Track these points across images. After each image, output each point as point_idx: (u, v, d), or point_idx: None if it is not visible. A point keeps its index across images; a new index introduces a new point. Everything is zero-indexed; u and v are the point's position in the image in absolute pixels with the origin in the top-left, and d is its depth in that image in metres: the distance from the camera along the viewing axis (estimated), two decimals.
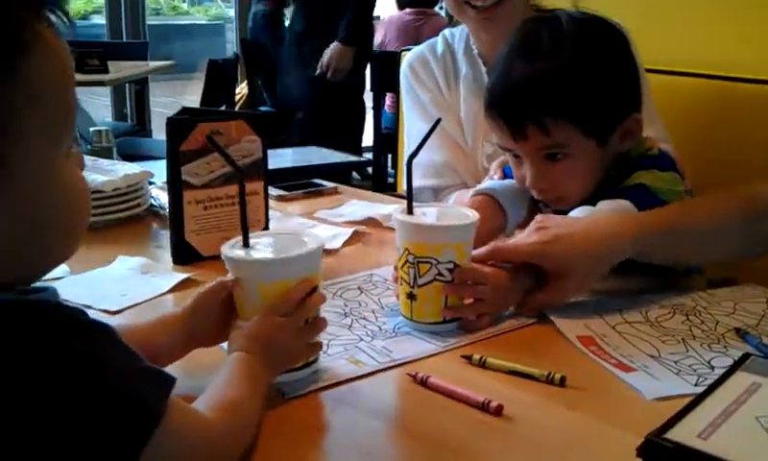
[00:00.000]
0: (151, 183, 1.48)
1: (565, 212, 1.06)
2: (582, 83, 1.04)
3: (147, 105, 4.93)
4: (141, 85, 4.74)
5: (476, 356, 0.85)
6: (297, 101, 3.91)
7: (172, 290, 1.07)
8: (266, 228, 1.23)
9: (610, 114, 1.07)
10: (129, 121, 4.98)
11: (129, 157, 1.84)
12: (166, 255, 1.20)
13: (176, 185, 1.15)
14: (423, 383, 0.80)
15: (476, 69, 1.50)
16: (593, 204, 1.05)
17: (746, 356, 0.79)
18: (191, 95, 7.10)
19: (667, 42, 1.72)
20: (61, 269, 1.09)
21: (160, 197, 1.43)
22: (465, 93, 1.50)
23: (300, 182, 1.64)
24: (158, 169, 1.44)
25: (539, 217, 1.01)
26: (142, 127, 4.62)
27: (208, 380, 0.71)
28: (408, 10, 4.90)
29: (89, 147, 1.67)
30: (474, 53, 1.51)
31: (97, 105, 5.74)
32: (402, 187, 1.92)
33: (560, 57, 1.05)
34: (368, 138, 4.78)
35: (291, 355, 0.78)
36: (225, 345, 0.78)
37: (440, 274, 0.92)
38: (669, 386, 0.80)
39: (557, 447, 0.71)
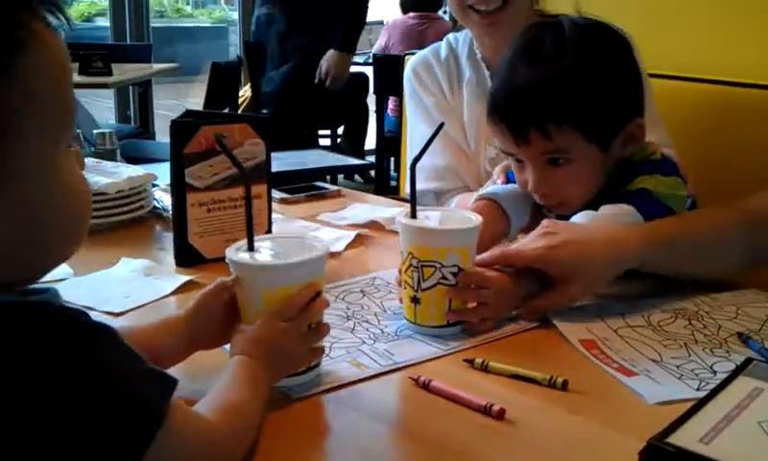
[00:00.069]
0: (154, 186, 1.48)
1: (568, 217, 1.06)
2: (584, 88, 1.04)
3: (150, 107, 4.94)
4: (145, 88, 4.75)
5: (478, 360, 0.85)
6: (271, 96, 3.87)
7: (175, 292, 1.07)
8: (269, 231, 1.23)
9: (612, 119, 1.07)
10: (132, 123, 4.99)
11: (132, 159, 1.84)
12: (169, 258, 1.20)
13: (179, 188, 1.15)
14: (425, 387, 0.80)
15: (479, 73, 1.51)
16: (596, 208, 1.06)
17: (748, 361, 0.79)
18: (194, 97, 7.12)
19: (670, 47, 1.73)
20: (64, 271, 1.10)
21: (164, 199, 1.43)
22: (468, 97, 1.51)
23: (302, 185, 1.64)
24: (162, 171, 1.44)
25: (545, 222, 1.01)
26: (146, 129, 4.63)
27: (210, 383, 0.71)
28: (412, 14, 4.91)
29: (93, 149, 1.68)
30: (478, 57, 1.51)
31: (101, 107, 5.75)
32: (405, 190, 1.92)
33: (562, 62, 1.05)
34: (371, 142, 4.79)
35: (293, 360, 0.78)
36: (227, 347, 0.78)
37: (444, 277, 0.92)
38: (671, 390, 0.80)
39: (559, 450, 0.71)
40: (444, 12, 4.91)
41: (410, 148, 1.62)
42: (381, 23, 6.03)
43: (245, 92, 4.62)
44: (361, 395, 0.80)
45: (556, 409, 0.77)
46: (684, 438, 0.64)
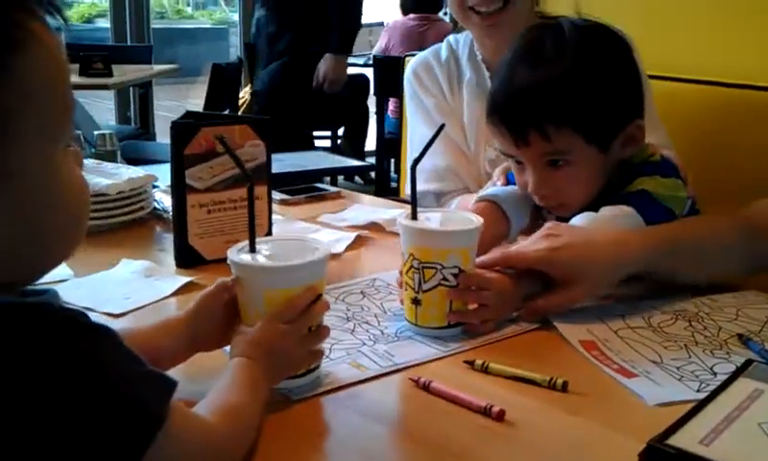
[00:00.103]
0: (155, 187, 1.48)
1: (567, 219, 1.07)
2: (584, 90, 1.05)
3: (151, 108, 4.95)
4: (145, 89, 4.75)
5: (478, 361, 0.85)
6: (260, 95, 3.84)
7: (175, 293, 1.07)
8: (269, 232, 1.23)
9: (612, 121, 1.07)
10: (133, 124, 4.99)
11: (133, 160, 1.84)
12: (169, 259, 1.20)
13: (179, 189, 1.15)
14: (425, 388, 0.80)
15: (480, 74, 1.51)
16: (596, 210, 1.06)
17: (748, 363, 0.79)
18: (195, 99, 7.11)
19: (669, 49, 1.73)
20: (65, 272, 1.10)
21: (164, 200, 1.43)
22: (468, 98, 1.51)
23: (302, 187, 1.65)
24: (162, 173, 1.44)
25: (548, 224, 1.01)
26: (146, 130, 4.63)
27: (210, 384, 0.71)
28: (412, 15, 4.91)
29: (93, 150, 1.68)
30: (478, 58, 1.51)
31: (101, 108, 5.75)
32: (405, 192, 1.92)
33: (562, 64, 1.05)
34: (371, 143, 4.79)
35: (293, 362, 0.78)
36: (227, 349, 0.78)
37: (444, 279, 0.92)
38: (671, 392, 0.80)
39: (559, 452, 0.71)
40: (445, 14, 4.91)
41: (410, 149, 1.62)
42: (381, 24, 6.03)
43: (245, 94, 4.62)
44: (361, 396, 0.80)
45: (556, 410, 0.77)
46: (685, 439, 0.64)
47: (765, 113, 1.49)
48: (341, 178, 4.22)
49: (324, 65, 3.66)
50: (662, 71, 1.53)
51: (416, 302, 0.93)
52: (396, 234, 0.97)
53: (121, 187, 1.35)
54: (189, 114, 1.27)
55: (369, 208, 1.51)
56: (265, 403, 0.73)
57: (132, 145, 3.66)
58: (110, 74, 3.81)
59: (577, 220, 1.05)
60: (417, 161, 0.95)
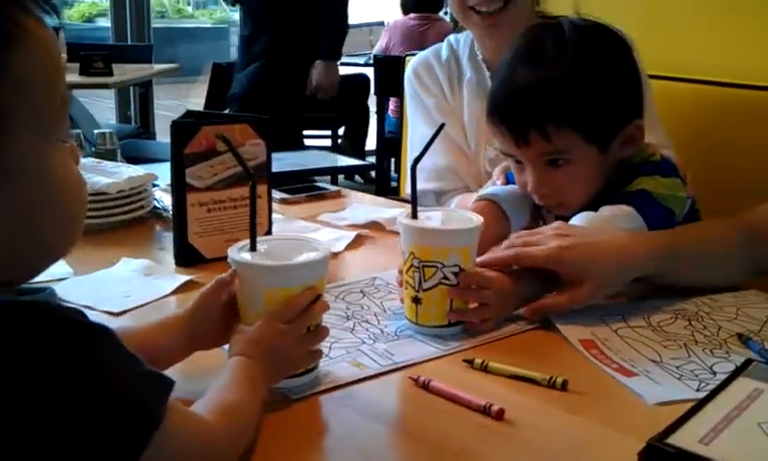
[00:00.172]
0: (154, 186, 1.48)
1: (567, 218, 1.06)
2: (584, 89, 1.05)
3: (151, 107, 4.95)
4: (145, 88, 4.75)
5: (478, 360, 0.85)
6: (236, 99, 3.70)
7: (175, 292, 1.07)
8: (269, 231, 1.23)
9: (611, 121, 1.07)
10: (133, 124, 4.99)
11: (133, 159, 1.84)
12: (169, 258, 1.20)
13: (179, 188, 1.15)
14: (425, 387, 0.80)
15: (480, 74, 1.51)
16: (595, 209, 1.06)
17: (748, 362, 0.79)
18: (195, 98, 7.12)
19: (668, 49, 1.73)
20: (65, 270, 1.10)
21: (164, 199, 1.43)
22: (468, 97, 1.51)
23: (302, 186, 1.65)
24: (162, 171, 1.44)
25: (555, 224, 1.01)
26: (146, 129, 4.64)
27: (208, 383, 0.71)
28: (413, 15, 4.92)
29: (93, 149, 1.68)
30: (479, 58, 1.51)
31: (101, 107, 5.76)
32: (405, 191, 1.92)
33: (562, 64, 1.05)
34: (371, 142, 4.79)
35: (292, 362, 0.78)
36: (226, 348, 0.78)
37: (445, 277, 0.92)
38: (671, 391, 0.80)
39: (558, 451, 0.71)
40: (445, 13, 4.91)
41: (410, 149, 1.62)
42: (382, 24, 6.03)
43: None
44: (360, 395, 0.80)
45: (555, 409, 0.77)
46: (684, 439, 0.64)
47: (763, 113, 1.49)
48: (341, 177, 4.22)
49: (316, 72, 3.58)
50: (661, 70, 1.53)
51: (416, 300, 0.94)
52: (396, 233, 0.97)
53: (121, 186, 1.35)
54: (189, 113, 1.28)
55: (369, 207, 1.51)
56: (264, 402, 0.73)
57: (133, 144, 3.66)
58: (111, 73, 3.82)
59: (577, 219, 1.05)
60: (417, 160, 0.95)
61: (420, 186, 0.98)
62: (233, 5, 3.83)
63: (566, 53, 1.06)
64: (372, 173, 4.84)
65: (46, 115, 0.59)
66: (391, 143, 3.96)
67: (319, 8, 3.46)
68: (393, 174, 4.32)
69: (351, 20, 3.81)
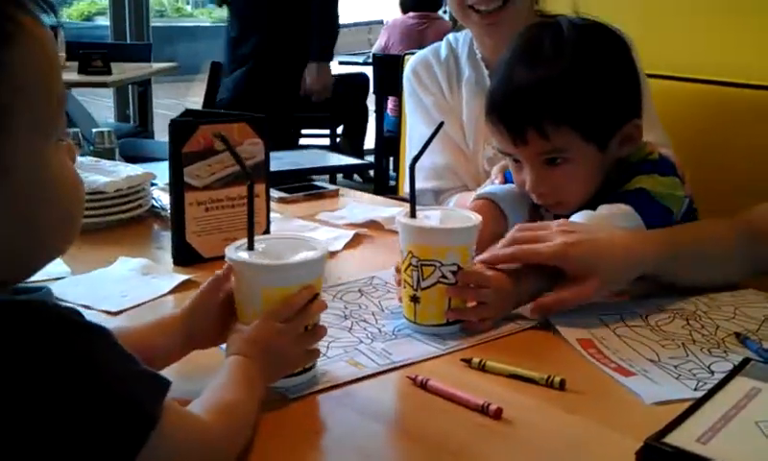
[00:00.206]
0: (153, 185, 1.48)
1: (566, 217, 1.06)
2: (582, 88, 1.05)
3: (150, 106, 4.95)
4: (144, 87, 4.75)
5: (476, 359, 0.85)
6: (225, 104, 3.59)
7: (172, 291, 1.07)
8: (267, 230, 1.23)
9: (609, 120, 1.07)
10: (131, 122, 4.99)
11: (131, 158, 1.84)
12: (167, 257, 1.20)
13: (177, 187, 1.15)
14: (423, 386, 0.80)
15: (479, 73, 1.51)
16: (594, 208, 1.06)
17: (746, 361, 0.79)
18: (194, 97, 7.12)
19: (666, 48, 1.73)
20: (62, 269, 1.10)
21: (162, 198, 1.43)
22: (467, 96, 1.51)
23: (300, 185, 1.64)
24: (160, 170, 1.44)
25: (559, 221, 1.01)
26: (145, 128, 4.63)
27: (205, 383, 0.71)
28: (412, 13, 4.92)
29: (92, 148, 1.68)
30: (478, 57, 1.51)
31: (100, 106, 5.75)
32: (404, 190, 1.92)
33: (560, 63, 1.05)
34: (370, 141, 4.79)
35: (289, 361, 0.78)
36: (223, 347, 0.78)
37: (443, 276, 0.92)
38: (669, 390, 0.80)
39: (556, 450, 0.71)
40: (444, 12, 4.91)
41: (409, 147, 1.62)
42: (381, 23, 6.03)
43: None
44: (358, 394, 0.80)
45: (553, 409, 0.77)
46: (682, 438, 0.64)
47: (761, 112, 1.49)
48: (340, 176, 4.22)
49: (309, 75, 3.53)
50: (659, 70, 1.53)
51: (414, 299, 0.93)
52: (395, 232, 0.97)
53: (119, 185, 1.35)
54: (188, 112, 1.27)
55: (367, 206, 1.50)
56: (261, 402, 0.73)
57: (131, 143, 3.66)
58: (110, 72, 3.81)
59: (575, 218, 1.05)
60: (416, 159, 0.95)
61: (418, 185, 0.98)
62: (220, 5, 3.76)
63: (565, 52, 1.06)
64: (371, 172, 4.84)
65: (43, 113, 0.59)
66: (390, 142, 3.96)
67: (306, 8, 3.40)
68: (391, 173, 4.32)
69: (350, 19, 3.80)
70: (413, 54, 1.64)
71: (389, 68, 3.82)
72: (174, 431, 0.58)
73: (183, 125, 1.15)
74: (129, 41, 5.23)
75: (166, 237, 1.24)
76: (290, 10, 3.41)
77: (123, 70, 4.02)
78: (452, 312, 0.93)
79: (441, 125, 0.98)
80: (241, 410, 0.69)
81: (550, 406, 0.77)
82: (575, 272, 0.95)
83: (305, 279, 0.78)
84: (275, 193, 1.49)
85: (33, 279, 0.62)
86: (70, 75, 3.69)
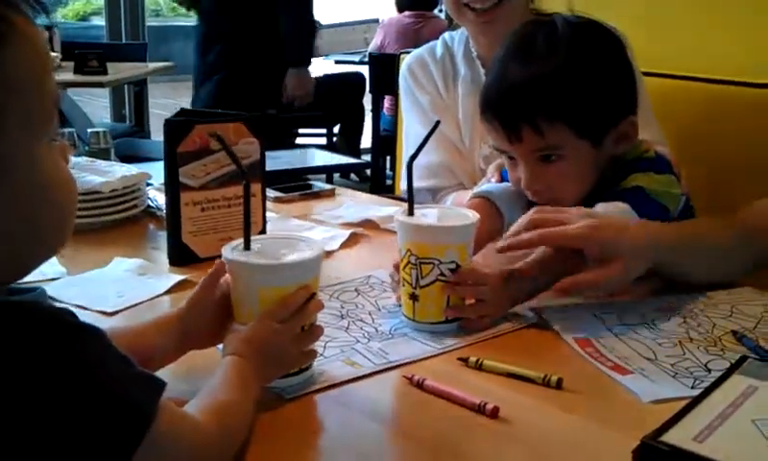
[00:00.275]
0: (148, 185, 1.48)
1: None
2: (576, 85, 1.05)
3: (145, 106, 4.94)
4: (140, 87, 4.75)
5: (473, 358, 0.85)
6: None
7: (168, 291, 1.07)
8: (263, 229, 1.23)
9: (604, 117, 1.07)
10: (127, 122, 4.98)
11: (127, 158, 1.84)
12: (163, 257, 1.20)
13: (173, 187, 1.15)
14: (420, 385, 0.80)
15: (475, 71, 1.51)
16: (589, 206, 1.05)
17: (743, 359, 0.79)
18: (190, 97, 7.10)
19: (662, 46, 1.73)
20: (57, 270, 1.09)
21: (158, 198, 1.43)
22: (463, 94, 1.51)
23: (297, 184, 1.64)
24: (156, 170, 1.44)
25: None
26: (140, 128, 4.63)
27: (202, 383, 0.70)
28: (407, 12, 4.92)
29: (87, 148, 1.67)
30: (473, 55, 1.51)
31: (96, 106, 5.75)
32: (401, 189, 1.92)
33: (554, 60, 1.05)
34: (366, 140, 4.79)
35: (286, 362, 0.78)
36: (220, 347, 0.78)
37: (442, 274, 0.92)
38: (665, 389, 0.80)
39: (553, 449, 0.71)
40: (440, 11, 4.91)
41: (405, 146, 1.63)
42: (377, 22, 6.02)
43: None
44: (355, 394, 0.80)
45: (550, 408, 0.77)
46: (678, 436, 0.64)
47: (754, 110, 1.49)
48: (336, 175, 4.22)
49: (289, 82, 3.41)
50: (654, 68, 1.53)
51: (413, 297, 0.93)
52: (391, 232, 0.97)
53: (114, 185, 1.35)
54: (183, 112, 1.27)
55: (363, 206, 1.50)
56: (257, 402, 0.72)
57: (127, 143, 3.66)
58: (105, 72, 3.81)
59: None
60: (413, 158, 0.95)
61: (414, 184, 0.98)
62: (189, 9, 3.62)
63: (559, 49, 1.06)
64: (368, 171, 4.84)
65: (36, 113, 0.58)
66: (386, 141, 3.96)
67: (273, 14, 3.26)
68: (388, 172, 4.32)
69: (346, 18, 3.76)
70: (409, 53, 1.64)
71: (385, 67, 3.82)
72: (169, 431, 0.58)
73: (179, 125, 1.15)
74: (124, 41, 5.22)
75: (162, 237, 1.24)
76: (255, 16, 3.26)
77: (119, 70, 4.02)
78: (451, 310, 0.93)
79: (437, 124, 0.98)
80: (236, 411, 0.68)
81: (547, 405, 0.77)
82: (599, 255, 0.94)
83: (302, 279, 0.78)
84: (271, 193, 1.49)
85: (28, 279, 0.62)
86: (66, 75, 3.68)
